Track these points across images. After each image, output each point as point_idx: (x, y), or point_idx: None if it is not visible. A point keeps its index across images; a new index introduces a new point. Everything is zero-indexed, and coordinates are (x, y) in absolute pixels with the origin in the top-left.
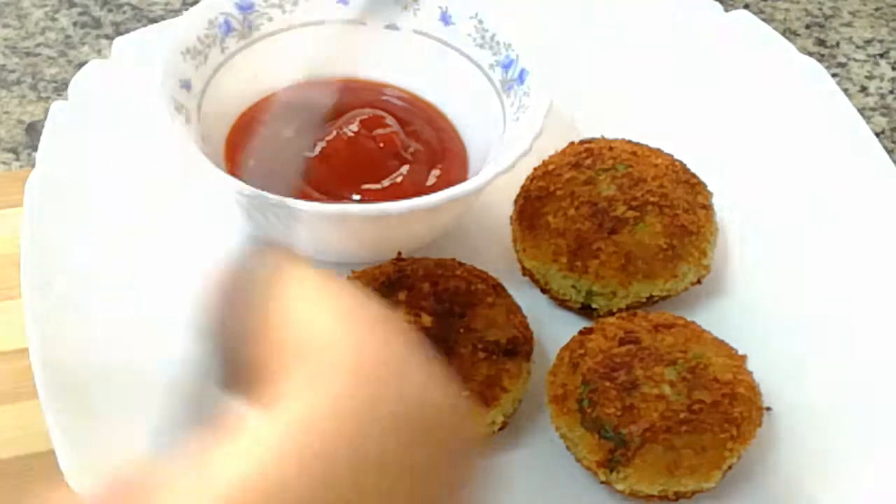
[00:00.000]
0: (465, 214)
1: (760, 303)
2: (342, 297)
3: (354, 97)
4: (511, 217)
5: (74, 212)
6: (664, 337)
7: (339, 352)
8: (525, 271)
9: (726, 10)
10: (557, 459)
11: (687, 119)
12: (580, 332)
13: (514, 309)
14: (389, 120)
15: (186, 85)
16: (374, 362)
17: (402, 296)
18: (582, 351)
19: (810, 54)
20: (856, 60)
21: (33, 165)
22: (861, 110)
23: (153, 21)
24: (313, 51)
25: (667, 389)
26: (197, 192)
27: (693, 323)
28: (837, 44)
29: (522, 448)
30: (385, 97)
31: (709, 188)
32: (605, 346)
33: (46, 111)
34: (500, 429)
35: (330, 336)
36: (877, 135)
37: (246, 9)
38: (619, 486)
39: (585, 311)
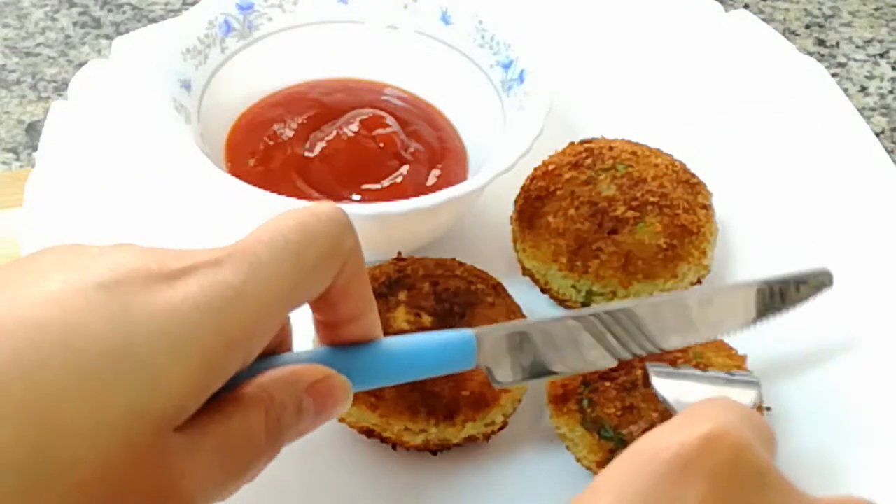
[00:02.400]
0: (465, 214)
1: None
2: None
3: (354, 97)
4: (511, 217)
5: (74, 212)
6: None
7: None
8: (525, 271)
9: (726, 10)
10: (557, 459)
11: (687, 119)
12: None
13: (514, 309)
14: (389, 120)
15: (186, 85)
16: None
17: (402, 296)
18: None
19: (810, 54)
20: (856, 60)
21: (33, 165)
22: (861, 110)
23: (153, 21)
24: (313, 51)
25: None
26: (197, 193)
27: None
28: (837, 44)
29: (522, 448)
30: (385, 97)
31: (709, 188)
32: None
33: (46, 111)
34: (500, 429)
35: None
36: (877, 135)
37: (246, 9)
38: None
39: None
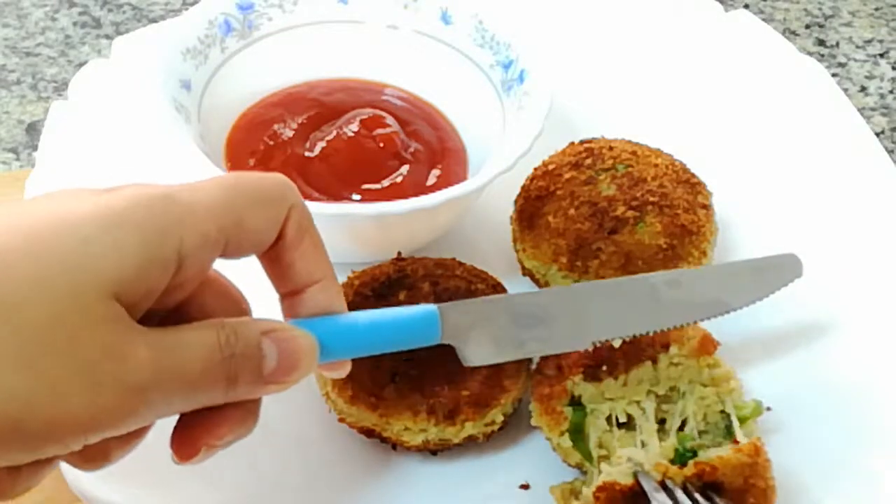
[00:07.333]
0: (465, 214)
1: (760, 302)
2: None
3: (354, 97)
4: (511, 217)
5: None
6: None
7: None
8: (525, 271)
9: (726, 11)
10: (557, 459)
11: (687, 119)
12: None
13: None
14: (389, 120)
15: (186, 85)
16: None
17: (402, 296)
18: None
19: (810, 54)
20: (856, 60)
21: (33, 165)
22: (861, 110)
23: (153, 21)
24: (313, 51)
25: None
26: None
27: None
28: (837, 44)
29: (522, 448)
30: (385, 97)
31: (709, 188)
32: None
33: (46, 111)
34: (500, 429)
35: None
36: (877, 135)
37: (246, 9)
38: None
39: None
